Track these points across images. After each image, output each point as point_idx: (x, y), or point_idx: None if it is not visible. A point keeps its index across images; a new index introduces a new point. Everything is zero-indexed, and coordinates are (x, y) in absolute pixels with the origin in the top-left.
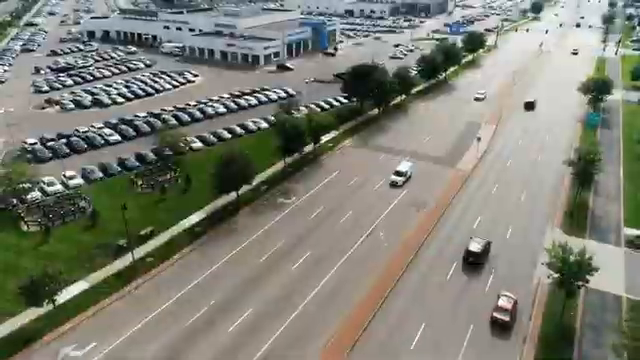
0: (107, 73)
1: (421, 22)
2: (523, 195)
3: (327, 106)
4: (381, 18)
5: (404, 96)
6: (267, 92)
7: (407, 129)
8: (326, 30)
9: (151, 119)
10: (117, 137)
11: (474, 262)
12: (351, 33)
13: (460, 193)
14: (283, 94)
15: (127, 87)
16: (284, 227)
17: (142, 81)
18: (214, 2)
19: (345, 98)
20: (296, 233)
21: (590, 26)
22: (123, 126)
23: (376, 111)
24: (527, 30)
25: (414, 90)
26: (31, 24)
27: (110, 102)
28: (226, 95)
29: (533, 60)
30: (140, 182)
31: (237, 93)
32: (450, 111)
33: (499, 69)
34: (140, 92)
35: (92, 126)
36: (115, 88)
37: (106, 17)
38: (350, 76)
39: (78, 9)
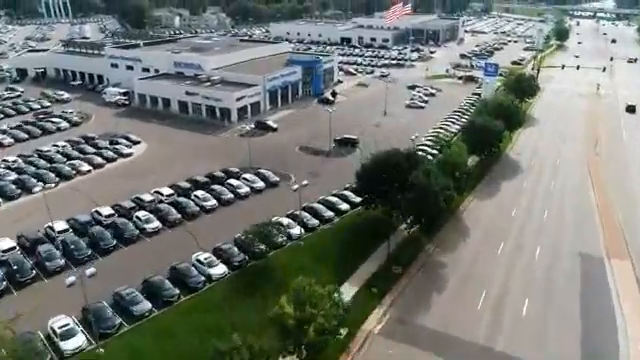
0: (7, 141)
1: (431, 52)
2: None
3: (330, 213)
4: (384, 47)
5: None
6: (233, 181)
7: (474, 272)
8: (321, 69)
9: (19, 254)
10: None
11: None
12: (351, 68)
13: None
14: (259, 184)
15: (18, 171)
16: None
17: (48, 157)
18: (192, 27)
19: (364, 201)
20: None
21: None
22: None
23: (409, 223)
24: (578, 67)
25: None
26: None
27: None
28: (167, 191)
29: (599, 111)
30: None
31: (186, 185)
32: (534, 222)
33: (563, 126)
34: (32, 183)
35: None
36: None
37: (43, 50)
38: (371, 172)
39: (31, 37)
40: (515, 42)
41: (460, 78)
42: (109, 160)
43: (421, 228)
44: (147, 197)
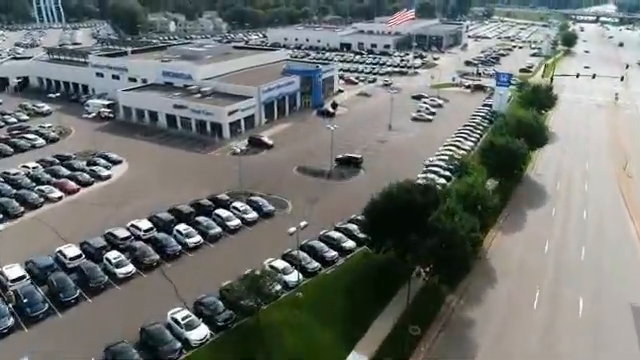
0: None
1: (435, 59)
2: None
3: (334, 253)
4: (385, 53)
5: None
6: (221, 211)
7: (508, 334)
8: (321, 79)
9: None
10: None
11: None
12: (352, 77)
13: None
14: (251, 214)
15: None
16: None
17: (14, 182)
18: (187, 33)
19: (373, 243)
20: None
21: None
22: None
23: (428, 271)
24: (594, 76)
25: None
26: None
27: None
28: (145, 224)
29: (620, 123)
30: None
31: (168, 217)
32: (571, 263)
33: (584, 140)
34: None
35: None
36: None
37: (27, 58)
38: (381, 209)
39: (20, 43)
40: (520, 48)
41: (468, 87)
42: (84, 184)
43: (442, 279)
44: (122, 233)
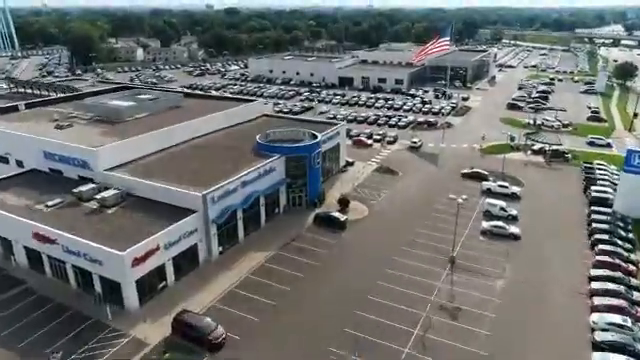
0: None
1: (464, 99)
2: None
3: None
4: (397, 91)
5: None
6: None
7: None
8: (319, 155)
9: None
10: None
11: None
12: (363, 134)
13: None
14: None
15: None
16: None
17: None
18: (157, 62)
19: None
20: None
21: None
22: None
23: None
24: None
25: None
26: None
27: None
28: None
29: None
30: None
31: None
32: None
33: None
34: None
35: None
36: None
37: None
38: None
39: None
40: (560, 80)
41: (538, 152)
42: None
43: None
44: None
